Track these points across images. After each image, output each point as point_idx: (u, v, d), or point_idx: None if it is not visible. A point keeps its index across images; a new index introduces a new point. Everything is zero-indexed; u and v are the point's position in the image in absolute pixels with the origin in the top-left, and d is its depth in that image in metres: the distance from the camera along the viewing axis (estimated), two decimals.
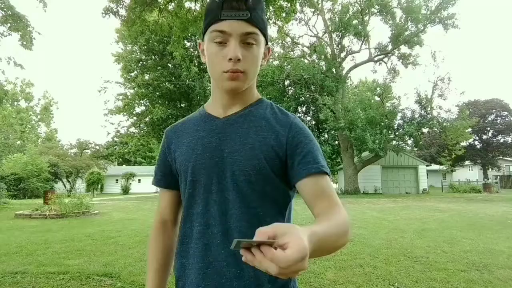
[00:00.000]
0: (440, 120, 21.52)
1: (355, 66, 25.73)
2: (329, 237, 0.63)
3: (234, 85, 0.77)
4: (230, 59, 0.74)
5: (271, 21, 8.01)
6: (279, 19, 8.02)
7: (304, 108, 31.52)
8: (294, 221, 0.84)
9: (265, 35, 0.81)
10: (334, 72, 23.62)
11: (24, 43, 7.30)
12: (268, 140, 0.80)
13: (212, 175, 0.81)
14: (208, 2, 0.81)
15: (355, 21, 23.77)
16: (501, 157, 38.25)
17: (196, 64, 24.95)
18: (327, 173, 0.78)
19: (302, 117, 29.82)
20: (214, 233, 0.79)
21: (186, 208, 0.85)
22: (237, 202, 0.78)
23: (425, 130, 22.81)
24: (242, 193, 0.78)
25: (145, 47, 23.87)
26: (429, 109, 21.56)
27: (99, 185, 30.82)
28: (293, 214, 0.89)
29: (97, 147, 40.09)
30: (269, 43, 0.85)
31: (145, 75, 25.33)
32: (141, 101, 26.82)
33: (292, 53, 26.15)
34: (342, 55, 25.52)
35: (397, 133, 22.66)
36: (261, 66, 0.83)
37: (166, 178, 0.93)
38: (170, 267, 0.93)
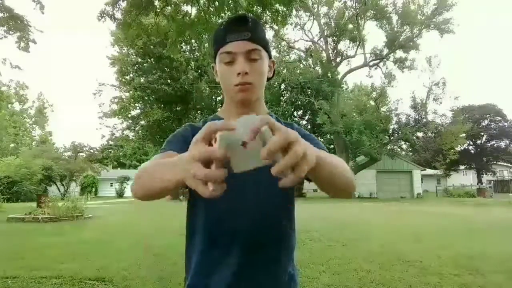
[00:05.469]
0: (434, 124, 21.71)
1: (351, 70, 25.91)
2: (330, 162, 0.66)
3: (245, 96, 0.87)
4: (239, 73, 0.83)
5: (267, 25, 8.05)
6: (275, 23, 8.07)
7: (300, 112, 31.59)
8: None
9: (267, 51, 0.91)
10: (330, 76, 23.75)
11: (22, 45, 7.20)
12: None
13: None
14: (214, 31, 0.93)
15: (350, 26, 23.97)
16: (494, 162, 38.58)
17: (193, 67, 24.93)
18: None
19: (298, 121, 29.88)
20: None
21: (206, 214, 0.87)
22: (259, 205, 0.85)
23: (419, 134, 22.98)
24: (262, 197, 0.85)
25: (142, 50, 23.82)
26: (423, 113, 21.74)
27: (93, 189, 30.58)
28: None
29: (92, 150, 39.78)
30: (272, 57, 0.95)
31: (141, 78, 25.24)
32: (137, 104, 26.69)
33: (287, 57, 26.26)
34: (338, 59, 25.70)
35: (392, 138, 22.78)
36: (268, 78, 0.94)
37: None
38: None
